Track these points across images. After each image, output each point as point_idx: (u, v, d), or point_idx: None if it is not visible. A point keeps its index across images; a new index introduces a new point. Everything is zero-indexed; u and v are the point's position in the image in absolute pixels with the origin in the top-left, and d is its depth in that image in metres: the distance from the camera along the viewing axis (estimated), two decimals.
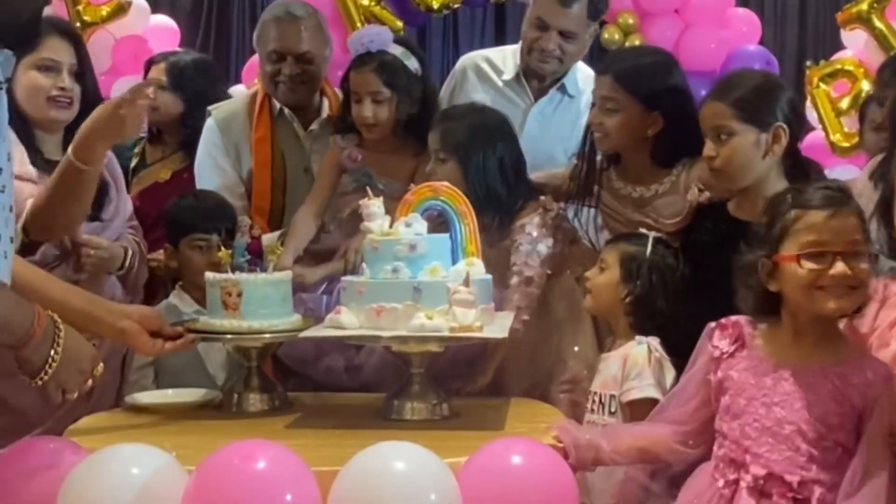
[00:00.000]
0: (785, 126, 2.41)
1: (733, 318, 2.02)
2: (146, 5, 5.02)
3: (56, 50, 2.59)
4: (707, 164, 2.47)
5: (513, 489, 1.78)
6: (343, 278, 2.36)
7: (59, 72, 2.59)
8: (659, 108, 2.63)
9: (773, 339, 1.96)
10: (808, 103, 4.59)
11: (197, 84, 3.55)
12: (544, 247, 2.60)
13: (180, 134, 3.52)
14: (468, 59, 3.45)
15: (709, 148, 2.44)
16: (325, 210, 2.92)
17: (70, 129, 2.60)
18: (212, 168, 3.22)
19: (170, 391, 2.53)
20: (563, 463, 1.91)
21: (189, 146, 3.43)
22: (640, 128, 2.64)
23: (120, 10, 4.75)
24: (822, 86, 4.56)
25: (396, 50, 2.83)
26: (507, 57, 3.35)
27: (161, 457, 1.77)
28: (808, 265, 1.87)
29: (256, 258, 2.43)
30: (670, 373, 2.31)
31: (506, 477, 1.80)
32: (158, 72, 3.55)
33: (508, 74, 3.31)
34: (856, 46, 4.58)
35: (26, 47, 2.49)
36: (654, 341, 2.35)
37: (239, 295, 2.30)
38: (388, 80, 2.79)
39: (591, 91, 2.78)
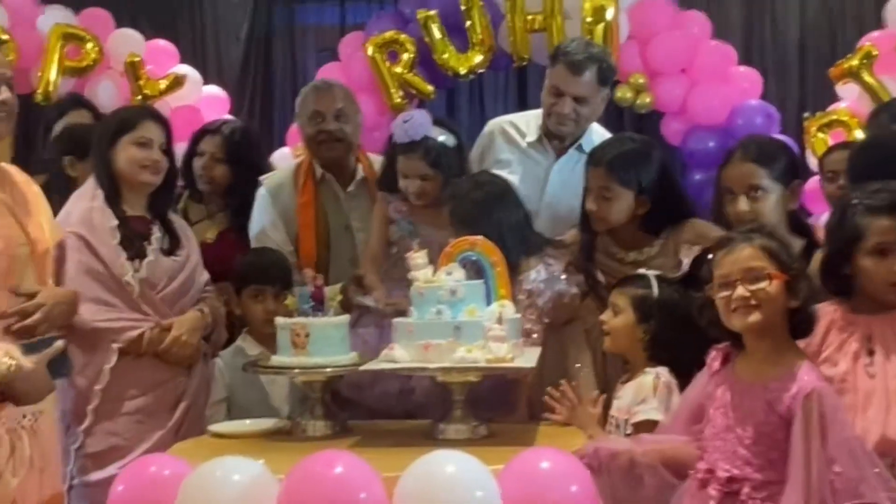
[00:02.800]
0: (801, 182, 2.78)
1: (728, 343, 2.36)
2: (199, 76, 5.35)
3: (151, 130, 3.10)
4: (737, 218, 2.76)
5: (543, 488, 2.14)
6: (394, 320, 2.70)
7: (151, 147, 3.08)
8: (647, 191, 3.01)
9: (743, 359, 2.32)
10: (808, 152, 4.75)
11: (247, 156, 3.85)
12: (541, 300, 2.90)
13: (225, 198, 3.79)
14: (495, 123, 3.71)
15: (743, 204, 2.77)
16: (382, 256, 3.27)
17: (154, 193, 3.12)
18: (265, 231, 3.58)
19: (247, 421, 2.90)
20: (583, 467, 2.26)
21: (233, 209, 3.75)
22: (632, 209, 3.02)
23: (177, 84, 5.15)
24: (820, 135, 4.71)
25: (437, 133, 3.16)
26: (529, 121, 3.61)
27: (255, 466, 2.17)
28: (720, 294, 2.26)
29: (319, 304, 2.79)
30: (676, 396, 2.61)
31: (536, 478, 2.16)
32: (213, 145, 3.79)
33: (531, 136, 3.56)
34: (849, 98, 4.76)
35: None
36: (663, 370, 2.66)
37: (307, 335, 2.68)
38: (433, 162, 3.13)
39: (585, 178, 3.10)
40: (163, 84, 5.13)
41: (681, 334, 2.63)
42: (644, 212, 3.03)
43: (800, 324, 2.27)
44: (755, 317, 2.21)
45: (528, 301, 2.89)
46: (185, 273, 3.13)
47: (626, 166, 3.02)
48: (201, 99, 5.32)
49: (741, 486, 2.18)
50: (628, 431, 2.65)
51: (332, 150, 3.57)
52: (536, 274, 2.92)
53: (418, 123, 3.14)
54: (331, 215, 3.57)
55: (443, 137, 3.17)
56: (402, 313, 2.77)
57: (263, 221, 3.61)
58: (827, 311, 2.35)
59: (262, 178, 3.75)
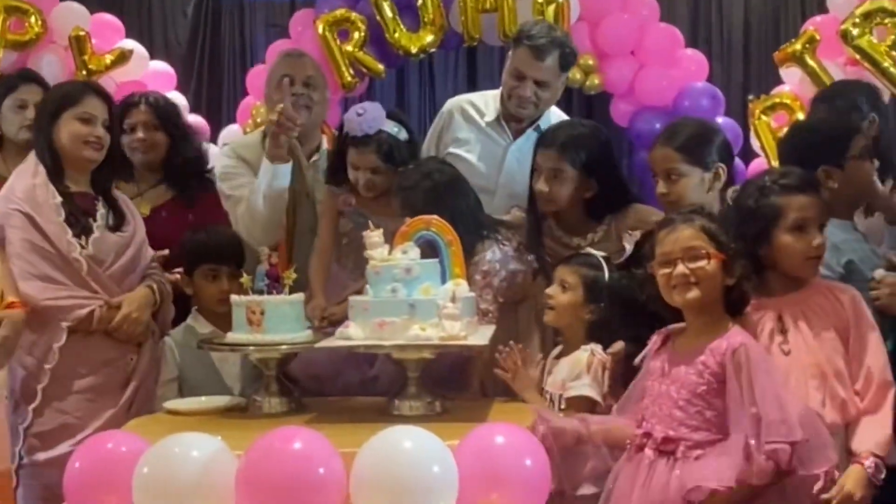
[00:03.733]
0: (723, 166, 2.86)
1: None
2: (145, 52, 5.25)
3: (94, 105, 3.06)
4: (661, 199, 2.91)
5: (497, 462, 2.20)
6: (350, 297, 2.71)
7: (94, 123, 3.04)
8: (595, 175, 3.08)
9: (681, 335, 2.41)
10: (752, 134, 4.84)
11: (177, 122, 3.77)
12: (496, 280, 2.95)
13: (159, 171, 3.68)
14: (454, 102, 3.72)
15: (661, 186, 2.89)
16: (332, 250, 3.26)
17: (97, 170, 3.09)
18: (237, 175, 3.50)
19: (202, 398, 2.90)
20: (537, 441, 2.32)
21: (169, 181, 3.67)
22: (580, 192, 3.08)
23: (122, 59, 5.02)
24: (764, 117, 4.78)
25: (390, 127, 3.16)
26: (488, 101, 3.63)
27: (214, 442, 2.18)
28: (661, 271, 2.35)
29: (275, 282, 2.80)
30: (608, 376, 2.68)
31: (492, 453, 2.21)
32: (144, 114, 3.66)
33: (490, 116, 3.57)
34: (792, 82, 4.81)
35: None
36: (597, 347, 2.72)
37: (262, 313, 2.68)
38: (386, 157, 3.14)
39: (534, 160, 3.16)
40: (108, 59, 5.01)
41: (622, 319, 2.71)
42: (590, 195, 3.10)
43: (735, 301, 2.38)
44: (694, 293, 2.31)
45: (485, 281, 2.93)
46: (132, 249, 3.10)
47: (578, 149, 3.07)
48: (147, 74, 5.22)
49: (676, 446, 2.27)
50: (562, 406, 2.71)
51: (299, 116, 3.49)
52: (492, 254, 2.96)
53: (372, 117, 3.14)
54: (294, 183, 3.51)
55: (395, 130, 3.18)
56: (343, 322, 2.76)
57: (234, 169, 3.52)
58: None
59: (227, 142, 3.72)
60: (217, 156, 3.75)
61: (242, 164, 3.53)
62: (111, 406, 2.97)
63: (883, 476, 2.34)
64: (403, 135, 3.21)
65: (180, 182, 3.66)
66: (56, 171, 3.02)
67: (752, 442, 2.15)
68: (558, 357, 2.84)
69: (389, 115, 3.21)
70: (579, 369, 2.70)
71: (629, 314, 2.67)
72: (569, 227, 3.16)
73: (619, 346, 2.67)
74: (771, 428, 2.16)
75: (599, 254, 2.86)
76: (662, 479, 2.26)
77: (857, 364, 2.41)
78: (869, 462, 2.31)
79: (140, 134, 3.66)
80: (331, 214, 3.31)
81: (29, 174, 3.03)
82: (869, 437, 2.35)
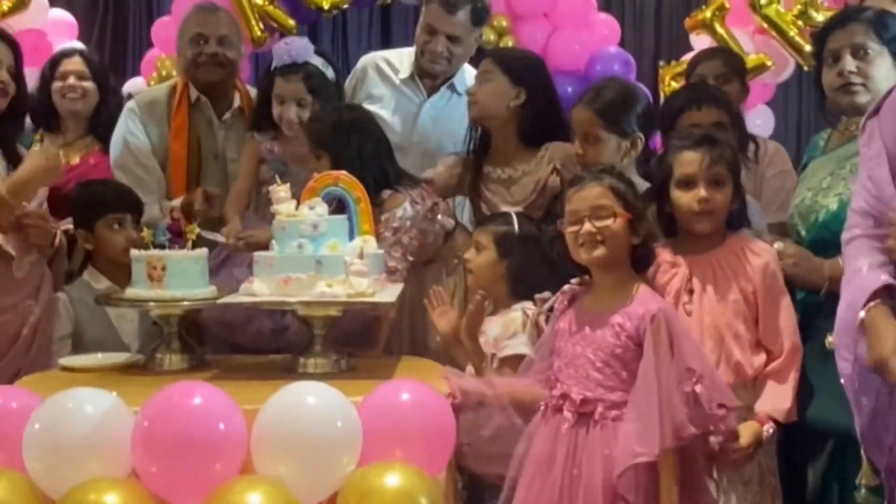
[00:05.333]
0: (641, 135, 2.88)
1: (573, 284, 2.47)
2: (45, 0, 5.06)
3: None
4: (577, 159, 2.92)
5: (403, 419, 2.18)
6: (255, 253, 2.66)
7: None
8: (524, 84, 3.08)
9: (590, 293, 2.43)
10: (662, 99, 4.82)
11: (107, 76, 3.79)
12: (406, 238, 2.94)
13: (88, 122, 3.70)
14: (369, 58, 3.73)
15: (578, 147, 2.90)
16: (250, 196, 3.23)
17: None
18: (129, 146, 3.45)
19: (99, 355, 2.82)
20: (443, 399, 2.31)
21: (96, 132, 3.67)
22: (506, 97, 3.07)
23: (21, 5, 4.81)
24: (674, 83, 4.83)
25: (317, 61, 3.16)
26: (403, 58, 3.63)
27: (109, 398, 2.12)
28: (570, 228, 2.37)
29: (176, 237, 2.74)
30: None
31: (397, 409, 2.19)
32: (77, 64, 3.71)
33: (404, 73, 3.58)
34: (702, 49, 4.78)
35: None
36: (530, 305, 2.72)
37: (163, 268, 2.60)
38: (312, 87, 3.12)
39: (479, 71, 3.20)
40: (5, 5, 4.81)
41: (539, 270, 2.72)
42: (519, 107, 3.08)
43: (640, 259, 2.41)
44: (600, 251, 2.33)
45: (394, 238, 2.91)
46: (32, 205, 2.98)
47: (509, 57, 3.21)
48: (47, 23, 5.03)
49: (594, 407, 2.28)
50: (495, 365, 2.71)
51: (212, 75, 3.47)
52: (403, 211, 2.93)
53: (301, 46, 3.15)
54: (203, 142, 3.48)
55: (322, 65, 3.17)
56: (261, 247, 2.72)
57: (132, 136, 3.48)
58: (658, 252, 2.49)
59: (133, 93, 3.67)
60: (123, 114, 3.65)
61: (141, 131, 3.46)
62: (6, 350, 2.88)
63: (772, 443, 2.43)
64: (330, 73, 3.20)
65: (106, 136, 3.60)
66: None
67: (681, 405, 2.18)
68: (488, 315, 2.81)
69: (318, 52, 3.21)
70: (514, 328, 2.70)
71: (551, 265, 2.66)
72: (499, 158, 3.15)
73: (545, 296, 2.64)
74: (713, 393, 2.21)
75: (513, 211, 2.88)
76: (590, 458, 2.26)
77: (768, 327, 2.45)
78: (768, 426, 2.37)
79: (71, 81, 3.66)
80: (252, 159, 3.27)
81: None
82: (771, 402, 2.40)
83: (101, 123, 3.68)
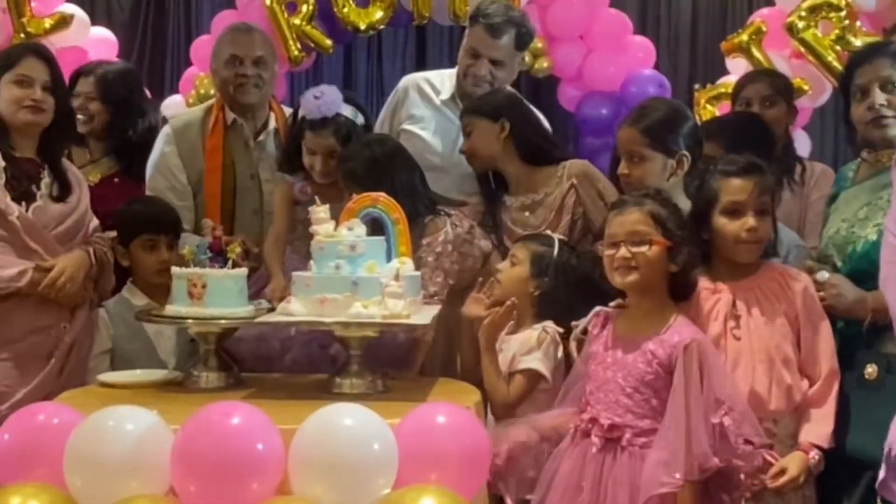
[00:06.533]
0: (687, 154, 2.87)
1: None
2: (87, 18, 5.11)
3: (32, 67, 2.97)
4: (621, 179, 2.91)
5: (439, 442, 2.18)
6: (293, 273, 2.67)
7: (32, 85, 2.96)
8: (503, 115, 3.16)
9: (623, 317, 2.43)
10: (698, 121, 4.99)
11: (122, 95, 3.74)
12: (448, 262, 2.95)
13: (107, 141, 3.71)
14: (410, 79, 3.73)
15: (623, 167, 2.89)
16: (286, 238, 3.21)
17: (45, 136, 3.02)
18: (163, 170, 3.47)
19: (137, 371, 2.84)
20: (478, 421, 2.32)
21: (116, 153, 3.68)
22: (493, 134, 3.15)
23: (62, 23, 4.89)
24: (709, 107, 4.83)
25: (347, 111, 3.13)
26: (444, 79, 3.65)
27: (149, 416, 2.13)
28: (607, 251, 2.38)
29: (217, 255, 2.75)
30: (560, 351, 2.70)
31: (433, 432, 2.19)
32: (87, 85, 3.71)
33: (445, 94, 3.60)
34: (738, 72, 4.74)
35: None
36: (550, 324, 2.73)
37: (203, 286, 2.62)
38: (344, 140, 3.10)
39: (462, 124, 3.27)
40: (48, 23, 4.88)
41: (568, 297, 2.74)
42: (509, 136, 3.15)
43: (679, 287, 2.41)
44: (633, 277, 2.34)
45: (436, 263, 2.92)
46: (73, 217, 3.04)
47: (478, 101, 3.27)
48: (88, 41, 5.09)
49: (622, 433, 2.29)
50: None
51: (248, 96, 3.48)
52: (445, 235, 2.94)
53: (331, 100, 3.11)
54: (238, 163, 3.49)
55: (352, 114, 3.15)
56: None
57: (165, 159, 3.49)
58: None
59: (169, 117, 3.68)
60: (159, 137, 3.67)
61: (175, 154, 3.46)
62: (39, 371, 2.90)
63: (822, 468, 2.41)
64: (360, 119, 3.20)
65: (126, 156, 3.62)
66: (1, 135, 2.95)
67: (706, 439, 2.18)
68: (509, 334, 2.83)
69: (346, 100, 3.18)
70: (530, 345, 2.72)
71: (581, 293, 2.69)
72: (518, 188, 3.20)
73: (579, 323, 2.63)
74: (741, 426, 2.22)
75: (557, 236, 2.90)
76: (616, 484, 2.26)
77: (808, 352, 2.44)
78: (813, 454, 2.37)
79: (79, 102, 3.65)
80: (286, 202, 3.25)
81: None
82: (815, 430, 2.40)
83: (116, 144, 3.68)
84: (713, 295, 2.48)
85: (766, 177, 2.47)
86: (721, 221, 2.45)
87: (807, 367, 2.44)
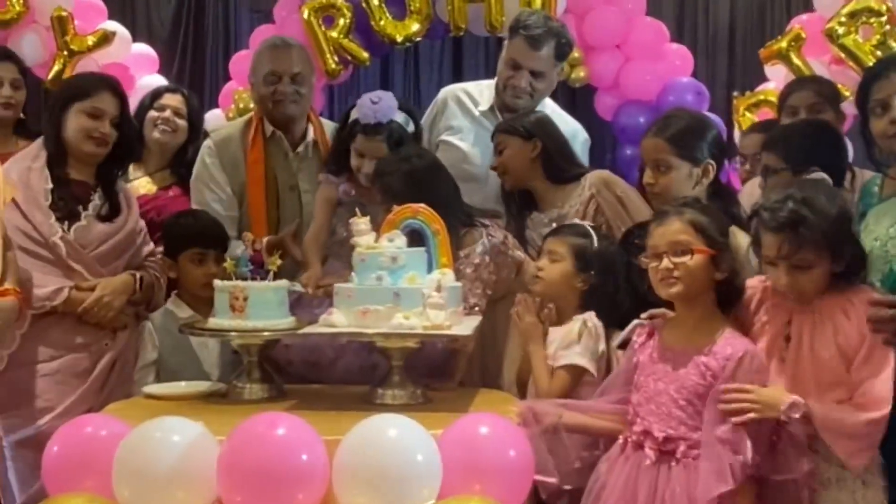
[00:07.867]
0: (713, 162, 2.85)
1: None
2: (128, 35, 5.21)
3: (105, 101, 3.06)
4: (647, 189, 2.91)
5: (482, 453, 2.19)
6: (335, 285, 2.68)
7: (102, 119, 3.04)
8: (536, 135, 3.20)
9: (670, 327, 2.40)
10: (736, 130, 4.85)
11: (201, 116, 3.99)
12: (486, 272, 2.94)
13: (171, 157, 3.83)
14: (449, 90, 3.75)
15: (648, 176, 2.88)
16: (327, 238, 3.22)
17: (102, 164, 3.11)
18: (208, 183, 3.51)
19: (182, 383, 2.87)
20: (522, 432, 2.31)
21: (175, 167, 3.79)
22: (525, 152, 3.19)
23: (105, 40, 4.99)
24: (748, 114, 4.82)
25: (399, 117, 3.15)
26: (483, 90, 3.66)
27: (196, 427, 2.16)
28: (651, 263, 2.36)
29: (258, 268, 2.77)
30: (602, 343, 2.68)
31: (477, 442, 2.20)
32: (178, 101, 3.87)
33: (484, 106, 3.61)
34: (777, 79, 4.80)
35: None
36: (591, 315, 2.71)
37: (245, 299, 2.65)
38: (394, 146, 3.10)
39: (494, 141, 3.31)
40: (90, 40, 4.98)
41: (617, 287, 2.72)
42: (539, 155, 3.20)
43: (726, 295, 2.37)
44: (677, 288, 2.32)
45: (475, 275, 2.92)
46: (118, 237, 3.09)
47: (512, 120, 3.29)
48: (129, 57, 5.19)
49: (676, 446, 2.27)
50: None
51: (287, 111, 3.50)
52: (482, 247, 2.94)
53: (387, 106, 3.13)
54: (279, 174, 3.51)
55: (404, 121, 3.17)
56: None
57: (209, 171, 3.53)
58: (757, 285, 2.42)
59: (209, 131, 3.75)
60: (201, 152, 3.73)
61: (217, 167, 3.50)
62: (79, 386, 2.94)
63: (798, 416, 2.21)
64: (411, 126, 3.21)
65: (185, 175, 3.67)
66: (58, 158, 3.04)
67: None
68: (552, 325, 2.82)
69: (399, 106, 3.20)
70: (571, 338, 2.70)
71: (623, 283, 2.66)
72: (544, 203, 3.23)
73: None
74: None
75: (587, 223, 2.88)
76: (673, 496, 2.24)
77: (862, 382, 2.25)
78: (796, 408, 2.19)
79: (167, 114, 3.82)
80: (328, 202, 3.27)
81: (29, 158, 3.04)
82: (828, 406, 2.22)
83: (183, 162, 3.77)
84: (773, 309, 2.36)
85: (802, 230, 2.22)
86: (764, 267, 2.36)
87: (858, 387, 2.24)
